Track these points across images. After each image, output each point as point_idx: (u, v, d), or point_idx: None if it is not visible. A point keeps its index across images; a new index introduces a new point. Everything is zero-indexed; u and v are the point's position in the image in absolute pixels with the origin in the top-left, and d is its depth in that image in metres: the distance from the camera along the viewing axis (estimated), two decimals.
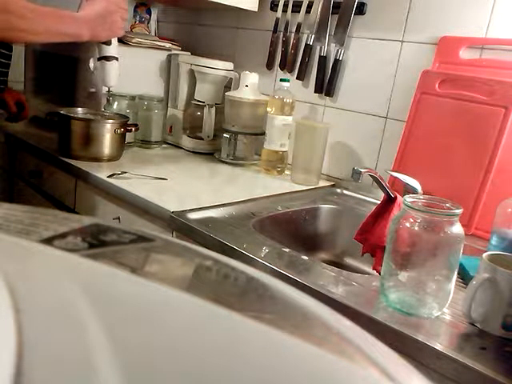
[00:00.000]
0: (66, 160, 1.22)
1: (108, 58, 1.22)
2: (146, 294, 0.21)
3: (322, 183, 1.31)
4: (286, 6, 1.43)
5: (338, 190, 1.28)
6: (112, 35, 1.17)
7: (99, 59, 1.23)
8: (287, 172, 1.34)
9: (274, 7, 1.48)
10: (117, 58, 1.24)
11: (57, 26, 1.02)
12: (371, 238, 0.84)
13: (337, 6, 1.31)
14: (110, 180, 1.09)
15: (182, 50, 1.60)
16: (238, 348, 0.18)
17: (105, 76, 1.25)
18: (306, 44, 1.39)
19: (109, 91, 1.32)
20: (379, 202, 0.87)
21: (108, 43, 1.21)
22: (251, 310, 0.22)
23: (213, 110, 1.43)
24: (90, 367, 0.15)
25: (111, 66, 1.24)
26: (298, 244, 1.05)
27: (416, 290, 0.67)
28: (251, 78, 1.37)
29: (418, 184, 0.98)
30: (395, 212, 0.81)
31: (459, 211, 0.64)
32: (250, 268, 0.27)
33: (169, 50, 1.58)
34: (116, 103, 1.43)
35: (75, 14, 1.06)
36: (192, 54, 1.60)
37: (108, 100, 1.34)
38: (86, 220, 0.29)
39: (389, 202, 0.85)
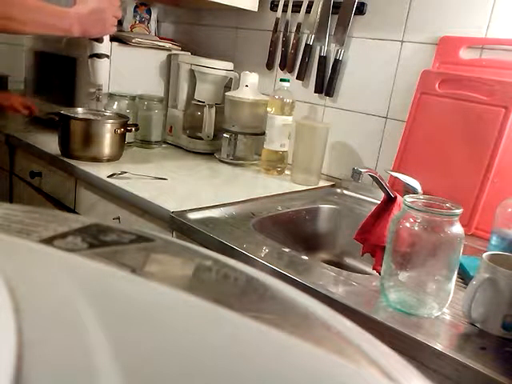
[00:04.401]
0: (66, 160, 1.22)
1: (99, 56, 1.22)
2: (145, 294, 0.21)
3: (322, 183, 1.31)
4: (286, 6, 1.43)
5: (338, 190, 1.28)
6: (104, 32, 1.17)
7: (90, 56, 1.23)
8: (287, 172, 1.34)
9: (273, 7, 1.48)
10: (108, 56, 1.24)
11: (45, 18, 1.02)
12: (371, 238, 0.84)
13: (337, 6, 1.31)
14: (110, 180, 1.09)
15: (182, 50, 1.60)
16: (238, 348, 0.18)
17: (95, 74, 1.24)
18: (306, 44, 1.39)
19: (98, 89, 1.32)
20: (379, 202, 0.87)
21: (100, 41, 1.20)
22: (251, 310, 0.22)
23: (213, 110, 1.43)
24: (90, 367, 0.15)
25: (102, 64, 1.23)
26: (298, 244, 1.05)
27: (416, 290, 0.67)
28: (251, 78, 1.37)
29: (418, 184, 0.98)
30: (395, 212, 0.81)
31: (459, 211, 0.64)
32: (250, 268, 0.27)
33: (169, 50, 1.58)
34: (116, 103, 1.43)
35: (66, 9, 1.07)
36: (192, 54, 1.60)
37: (98, 99, 1.33)
38: (86, 220, 0.29)
39: (389, 202, 0.85)
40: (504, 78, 1.01)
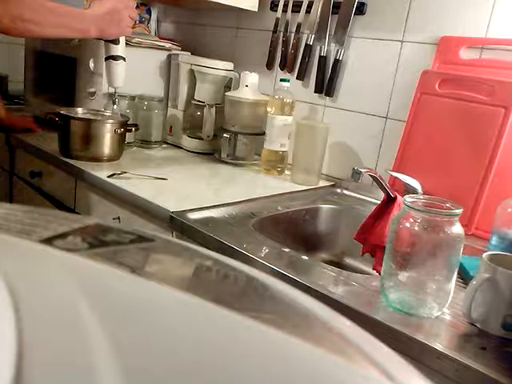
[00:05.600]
0: (66, 160, 1.22)
1: (115, 58, 1.22)
2: (145, 294, 0.21)
3: (322, 183, 1.31)
4: (286, 6, 1.43)
5: (338, 190, 1.28)
6: (120, 33, 1.17)
7: (106, 59, 1.22)
8: (287, 172, 1.34)
9: (273, 7, 1.48)
10: (124, 59, 1.24)
11: (62, 20, 1.03)
12: (371, 238, 0.84)
13: (337, 6, 1.31)
14: (109, 180, 1.09)
15: (182, 50, 1.60)
16: (237, 348, 0.18)
17: (111, 76, 1.24)
18: (306, 44, 1.39)
19: (115, 92, 1.31)
20: (379, 202, 0.87)
21: (116, 42, 1.20)
22: (251, 309, 0.22)
23: (213, 110, 1.43)
24: (90, 367, 0.15)
25: (118, 66, 1.23)
26: (298, 244, 1.05)
27: (416, 290, 0.67)
28: (251, 78, 1.37)
29: (418, 184, 0.98)
30: (395, 212, 0.81)
31: (459, 211, 0.64)
32: (250, 268, 0.27)
33: (169, 50, 1.57)
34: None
35: (83, 10, 1.07)
36: (192, 54, 1.60)
37: (114, 102, 1.33)
38: (86, 220, 0.29)
39: (389, 202, 0.85)
40: (504, 77, 1.01)
